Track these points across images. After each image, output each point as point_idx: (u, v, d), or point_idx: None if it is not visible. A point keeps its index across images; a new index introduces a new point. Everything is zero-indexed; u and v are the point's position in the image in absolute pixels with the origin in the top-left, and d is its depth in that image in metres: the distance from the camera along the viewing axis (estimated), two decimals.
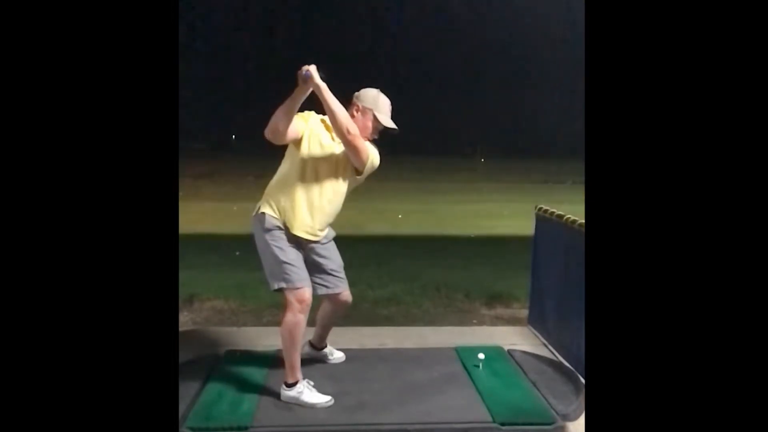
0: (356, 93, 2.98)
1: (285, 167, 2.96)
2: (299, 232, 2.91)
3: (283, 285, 2.86)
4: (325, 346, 3.40)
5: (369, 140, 2.92)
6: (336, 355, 3.42)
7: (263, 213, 2.91)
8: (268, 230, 2.89)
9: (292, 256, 2.89)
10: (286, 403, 2.85)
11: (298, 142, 2.87)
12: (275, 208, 2.90)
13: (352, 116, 2.88)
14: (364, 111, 2.93)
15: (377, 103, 2.94)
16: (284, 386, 2.88)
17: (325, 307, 3.27)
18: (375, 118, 2.93)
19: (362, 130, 2.87)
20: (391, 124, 2.96)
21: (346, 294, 3.20)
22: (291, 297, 2.85)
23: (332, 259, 3.12)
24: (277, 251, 2.87)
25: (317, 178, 2.90)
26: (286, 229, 2.90)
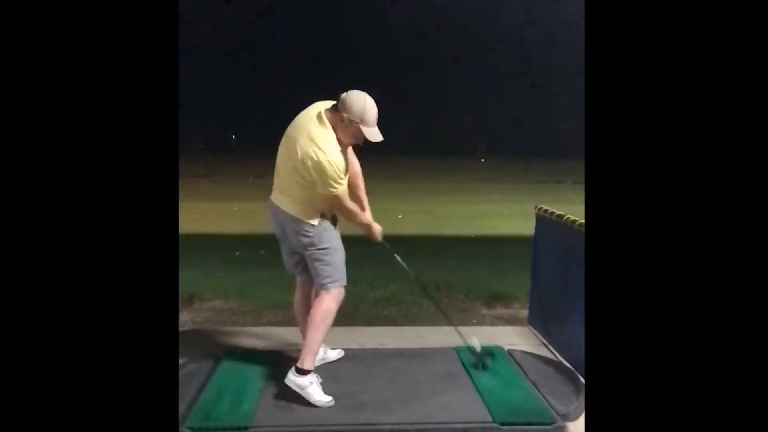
0: (342, 97, 2.83)
1: None
2: None
3: (342, 283, 3.01)
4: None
5: (353, 145, 2.97)
6: (331, 354, 3.42)
7: (333, 216, 3.02)
8: (334, 231, 3.02)
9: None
10: (287, 402, 2.85)
11: None
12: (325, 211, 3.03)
13: (340, 121, 2.82)
14: (351, 122, 2.83)
15: (364, 117, 2.82)
16: (294, 371, 2.87)
17: (301, 293, 3.29)
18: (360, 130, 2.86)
19: (347, 137, 2.85)
20: (376, 138, 2.86)
21: None
22: (340, 290, 3.00)
23: None
24: (341, 251, 3.03)
25: None
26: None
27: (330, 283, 2.98)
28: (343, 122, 2.83)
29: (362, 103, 2.83)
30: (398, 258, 3.30)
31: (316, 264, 2.99)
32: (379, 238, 3.16)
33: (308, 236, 2.94)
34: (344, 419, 2.73)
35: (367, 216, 3.14)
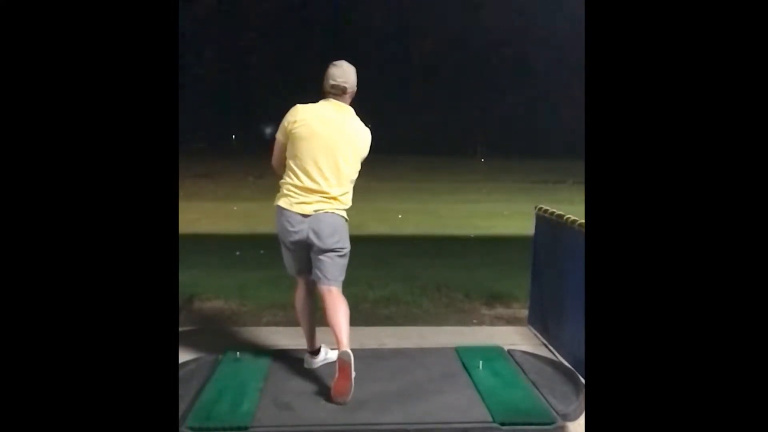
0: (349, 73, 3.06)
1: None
2: None
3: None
4: (320, 347, 3.40)
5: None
6: (331, 354, 3.42)
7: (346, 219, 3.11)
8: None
9: None
10: (287, 402, 2.86)
11: None
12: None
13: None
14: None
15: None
16: (333, 352, 3.06)
17: (306, 294, 3.30)
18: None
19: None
20: None
21: None
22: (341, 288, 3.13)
23: None
24: None
25: None
26: None
27: (340, 279, 3.13)
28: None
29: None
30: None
31: (334, 261, 3.08)
32: None
33: (342, 232, 3.08)
34: (344, 419, 2.73)
35: None
